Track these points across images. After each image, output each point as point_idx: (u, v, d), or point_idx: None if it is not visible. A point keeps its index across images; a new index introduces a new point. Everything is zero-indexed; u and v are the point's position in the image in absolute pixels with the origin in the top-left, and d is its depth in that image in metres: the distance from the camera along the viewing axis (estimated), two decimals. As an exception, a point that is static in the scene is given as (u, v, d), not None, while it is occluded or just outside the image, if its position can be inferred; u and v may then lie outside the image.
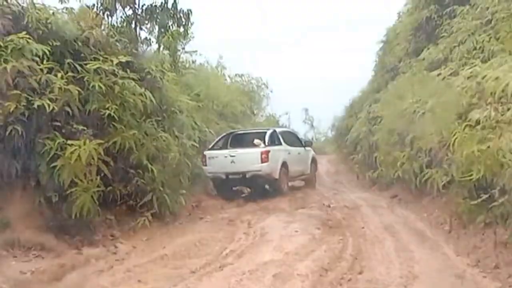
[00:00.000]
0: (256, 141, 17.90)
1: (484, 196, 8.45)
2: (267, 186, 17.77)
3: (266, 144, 17.75)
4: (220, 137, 18.75)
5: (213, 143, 18.20)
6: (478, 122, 8.78)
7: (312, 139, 35.36)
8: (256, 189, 17.69)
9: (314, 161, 21.48)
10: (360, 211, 13.90)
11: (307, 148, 21.10)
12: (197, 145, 15.81)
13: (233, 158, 17.19)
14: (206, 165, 17.23)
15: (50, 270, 8.02)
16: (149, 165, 11.60)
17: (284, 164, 18.02)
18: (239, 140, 18.56)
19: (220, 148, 18.04)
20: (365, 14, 74.39)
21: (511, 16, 12.03)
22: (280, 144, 18.45)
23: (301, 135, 27.37)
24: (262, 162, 17.05)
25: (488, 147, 7.78)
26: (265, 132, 18.61)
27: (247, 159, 17.14)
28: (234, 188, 17.91)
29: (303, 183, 20.13)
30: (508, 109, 7.67)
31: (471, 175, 8.26)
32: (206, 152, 17.43)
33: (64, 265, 8.37)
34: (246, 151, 17.49)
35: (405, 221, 11.93)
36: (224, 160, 17.19)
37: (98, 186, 9.93)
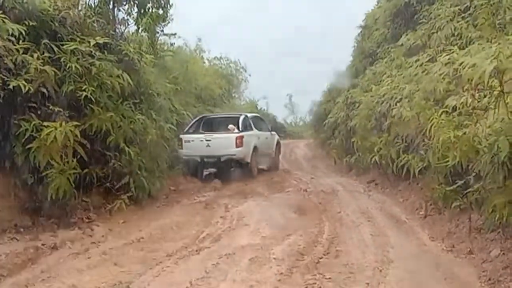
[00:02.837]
0: (230, 126, 18.58)
1: (460, 182, 8.54)
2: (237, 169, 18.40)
3: (240, 129, 18.41)
4: (193, 121, 19.14)
5: (187, 127, 18.56)
6: (454, 108, 8.83)
7: (291, 124, 35.55)
8: (228, 171, 18.28)
9: (278, 145, 22.53)
10: (337, 195, 13.97)
11: (272, 133, 21.99)
12: (175, 128, 15.78)
13: (209, 142, 17.72)
14: (182, 148, 17.68)
15: (25, 253, 7.96)
16: (126, 148, 11.55)
17: (255, 149, 18.84)
18: (211, 125, 19.49)
19: (194, 132, 18.51)
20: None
21: (489, 3, 12.07)
22: (252, 129, 19.23)
23: (280, 119, 27.59)
24: (236, 146, 17.72)
25: (464, 133, 7.82)
26: (238, 118, 19.29)
27: (222, 143, 17.71)
28: (205, 171, 18.60)
29: (267, 165, 20.67)
30: (485, 96, 7.70)
31: (447, 161, 8.32)
32: (182, 136, 17.85)
33: (40, 248, 8.31)
34: (221, 135, 18.16)
35: (381, 206, 12.01)
36: (199, 144, 17.70)
37: (74, 168, 9.85)
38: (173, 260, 7.78)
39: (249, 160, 18.33)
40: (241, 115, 20.06)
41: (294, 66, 73.93)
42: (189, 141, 17.88)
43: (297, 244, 8.53)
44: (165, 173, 14.09)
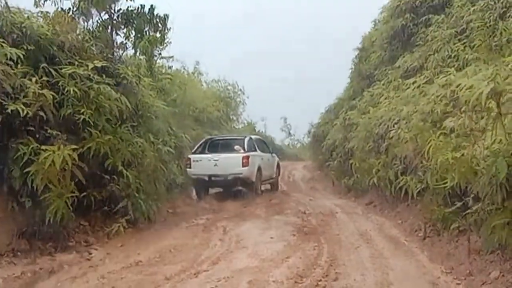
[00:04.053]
0: (237, 147, 19.57)
1: (458, 204, 8.54)
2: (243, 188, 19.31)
3: (246, 150, 19.45)
4: (200, 142, 20.28)
5: (195, 148, 19.73)
6: (452, 130, 8.85)
7: (288, 146, 35.79)
8: (234, 190, 19.24)
9: (278, 166, 23.54)
10: (335, 217, 13.94)
11: (273, 154, 22.99)
12: (173, 151, 15.76)
13: (216, 161, 18.67)
14: (190, 168, 18.75)
15: (22, 277, 7.95)
16: (124, 171, 11.54)
17: (259, 169, 19.80)
18: (217, 146, 20.29)
19: (200, 153, 19.54)
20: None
21: (485, 26, 12.17)
22: (256, 150, 20.14)
23: (277, 142, 27.93)
24: (243, 166, 18.63)
25: (462, 155, 7.84)
26: (243, 139, 20.58)
27: (229, 163, 18.63)
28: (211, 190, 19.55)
29: (268, 186, 21.58)
30: (482, 118, 7.71)
31: (446, 182, 8.32)
32: (191, 156, 19.05)
33: (37, 272, 8.29)
34: (228, 155, 19.04)
35: (380, 228, 11.98)
36: (207, 163, 18.68)
37: (72, 192, 9.83)
38: (171, 283, 7.73)
39: (254, 179, 19.18)
40: (245, 137, 21.32)
41: (291, 87, 74.02)
42: (197, 161, 18.86)
43: (296, 266, 8.49)
44: (163, 196, 14.06)
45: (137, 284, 7.78)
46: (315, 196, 20.02)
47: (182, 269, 8.57)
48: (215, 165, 18.70)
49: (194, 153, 19.47)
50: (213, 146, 20.38)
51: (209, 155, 19.22)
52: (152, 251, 10.05)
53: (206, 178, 18.72)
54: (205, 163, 18.83)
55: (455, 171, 7.90)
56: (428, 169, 9.71)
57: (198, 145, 20.17)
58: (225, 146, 20.25)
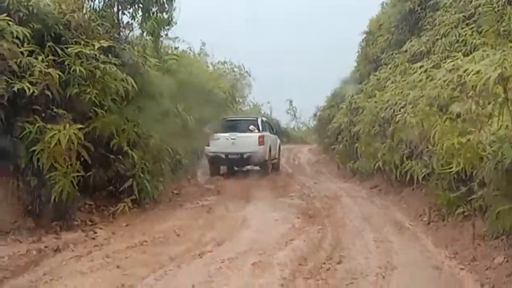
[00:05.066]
0: (251, 127, 21.14)
1: (464, 189, 8.50)
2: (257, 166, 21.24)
3: (260, 129, 21.15)
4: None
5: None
6: (458, 115, 8.79)
7: (294, 129, 36.02)
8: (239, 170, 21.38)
9: (279, 147, 24.99)
10: (340, 201, 13.96)
11: (276, 136, 24.30)
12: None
13: (234, 140, 20.28)
14: (208, 146, 20.17)
15: (28, 255, 7.97)
16: (130, 151, 11.58)
17: (270, 148, 21.23)
18: (230, 126, 21.44)
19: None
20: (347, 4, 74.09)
21: (493, 11, 12.07)
22: (266, 130, 21.42)
23: (283, 125, 28.30)
24: (259, 144, 20.32)
25: (468, 140, 7.80)
26: (256, 119, 22.24)
27: (246, 141, 20.24)
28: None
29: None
30: (489, 103, 7.67)
31: (451, 167, 8.29)
32: None
33: (42, 250, 8.31)
34: (246, 135, 20.63)
35: (384, 212, 12.00)
36: (225, 142, 20.21)
37: (77, 171, 9.86)
38: (176, 263, 7.76)
39: (267, 158, 20.83)
40: (257, 117, 23.20)
41: (298, 69, 73.56)
42: (215, 139, 20.22)
43: (300, 249, 8.51)
44: (168, 177, 14.08)
45: (142, 263, 7.81)
46: (320, 179, 20.06)
47: (186, 249, 8.60)
48: (233, 143, 20.16)
49: None
50: (227, 126, 21.31)
51: (227, 134, 20.40)
52: (156, 231, 10.08)
53: (223, 156, 20.15)
54: (223, 142, 20.18)
55: (461, 156, 7.86)
56: (433, 154, 9.67)
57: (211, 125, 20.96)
58: (238, 126, 21.49)
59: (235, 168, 21.61)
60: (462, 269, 7.24)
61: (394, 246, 8.68)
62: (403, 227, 10.31)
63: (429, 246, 8.66)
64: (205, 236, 9.71)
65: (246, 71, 37.72)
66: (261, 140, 20.44)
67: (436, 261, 7.72)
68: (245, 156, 20.18)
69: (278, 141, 24.56)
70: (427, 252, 8.35)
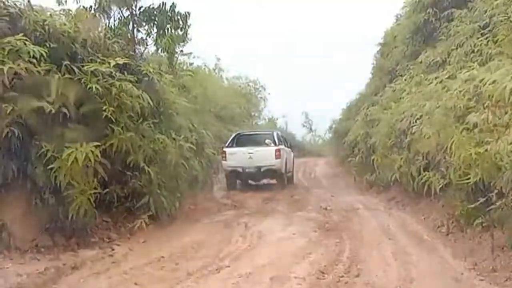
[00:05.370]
0: (267, 141, 21.30)
1: (482, 199, 8.44)
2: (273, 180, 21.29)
3: (277, 143, 21.24)
4: (231, 137, 21.98)
5: (228, 142, 21.48)
6: (475, 125, 8.76)
7: (309, 142, 36.09)
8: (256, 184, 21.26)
9: (293, 160, 24.97)
10: (357, 213, 13.91)
11: (290, 149, 24.32)
12: (194, 148, 15.77)
13: (251, 154, 20.33)
14: (226, 160, 20.44)
15: (46, 273, 8.00)
16: (146, 167, 11.57)
17: (286, 161, 21.47)
18: (246, 140, 21.80)
19: (232, 147, 21.14)
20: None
21: (509, 20, 12.02)
22: (281, 144, 21.48)
23: (298, 138, 28.41)
24: (276, 158, 20.40)
25: (486, 150, 7.77)
26: (271, 133, 22.61)
27: (263, 155, 20.36)
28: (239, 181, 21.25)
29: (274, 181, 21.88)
30: (506, 113, 7.65)
31: (469, 178, 8.25)
32: (226, 149, 20.75)
33: (61, 268, 8.34)
34: (262, 148, 20.76)
35: (402, 224, 11.93)
36: (242, 156, 20.33)
37: (95, 188, 9.88)
38: (193, 279, 7.76)
39: (283, 171, 21.04)
40: (273, 131, 23.67)
41: (313, 82, 73.62)
42: (232, 154, 20.48)
43: (318, 262, 8.48)
44: (184, 192, 14.09)
45: (160, 279, 7.82)
46: (336, 192, 19.96)
47: (204, 265, 8.59)
48: (250, 157, 20.22)
49: (227, 147, 21.01)
50: (243, 140, 21.67)
51: (243, 148, 20.64)
52: (174, 246, 10.09)
53: (240, 170, 20.31)
54: (240, 156, 20.32)
55: (479, 166, 7.83)
56: (451, 165, 9.63)
57: (230, 139, 21.73)
58: (254, 140, 21.81)
59: (252, 183, 21.54)
60: (481, 280, 7.20)
61: (412, 258, 8.63)
62: (422, 239, 10.25)
63: (448, 258, 8.60)
64: (222, 251, 9.70)
65: (261, 85, 37.84)
66: (278, 154, 20.55)
67: (455, 273, 7.67)
68: (262, 169, 20.29)
69: (292, 154, 24.68)
70: (446, 263, 8.30)
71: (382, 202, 15.83)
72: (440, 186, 10.65)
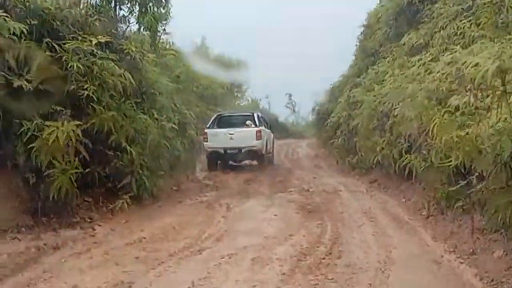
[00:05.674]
0: (248, 122, 21.79)
1: (462, 182, 8.46)
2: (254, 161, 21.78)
3: (257, 124, 21.71)
4: (212, 119, 22.34)
5: (209, 124, 21.81)
6: (457, 108, 8.78)
7: (293, 123, 36.26)
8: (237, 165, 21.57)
9: (273, 141, 25.35)
10: (339, 195, 13.95)
11: (270, 131, 24.54)
12: (177, 128, 15.72)
13: (232, 135, 20.66)
14: (207, 141, 20.82)
15: (27, 252, 7.97)
16: (128, 147, 11.53)
17: (266, 142, 21.95)
18: (227, 122, 22.17)
19: (213, 128, 21.54)
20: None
21: (492, 3, 12.03)
22: (262, 125, 21.84)
23: (281, 119, 28.54)
24: (257, 139, 20.81)
25: (467, 133, 7.79)
26: (252, 115, 22.80)
27: (244, 136, 20.77)
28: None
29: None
30: (487, 96, 7.65)
31: (450, 161, 8.28)
32: (207, 130, 21.16)
33: (41, 247, 8.31)
34: (243, 129, 21.25)
35: (383, 206, 12.00)
36: (224, 137, 20.66)
37: (76, 168, 9.83)
38: (175, 260, 7.75)
39: (264, 152, 21.48)
40: (253, 113, 23.63)
41: (296, 63, 73.25)
42: (214, 135, 20.91)
43: (300, 244, 8.50)
44: (166, 173, 14.07)
45: (141, 260, 7.80)
46: (318, 174, 20.04)
47: (185, 246, 8.59)
48: (231, 138, 20.56)
49: (209, 128, 21.37)
50: (224, 122, 22.10)
51: (224, 130, 21.02)
52: (155, 227, 10.08)
53: (222, 151, 20.64)
54: (221, 137, 20.69)
55: (460, 149, 7.86)
56: (432, 148, 9.66)
57: (211, 120, 22.08)
58: (235, 121, 22.15)
59: (232, 163, 21.74)
60: (461, 263, 7.25)
61: (393, 240, 8.67)
62: (402, 221, 10.32)
63: (428, 240, 8.67)
64: (204, 232, 9.70)
65: (244, 66, 37.72)
66: (259, 135, 20.91)
67: (435, 255, 7.72)
68: (243, 150, 20.62)
69: (272, 135, 24.99)
70: (426, 246, 8.36)
71: (364, 184, 15.89)
72: (422, 168, 10.68)
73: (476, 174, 7.84)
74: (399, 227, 9.80)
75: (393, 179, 13.84)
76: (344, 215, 11.09)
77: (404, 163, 11.68)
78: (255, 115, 22.87)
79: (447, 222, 9.22)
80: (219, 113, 23.68)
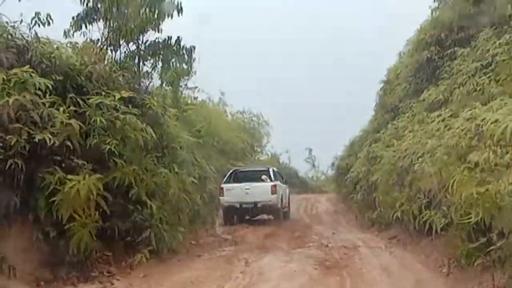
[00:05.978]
0: (263, 177, 22.02)
1: (483, 239, 8.41)
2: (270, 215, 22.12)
3: (272, 179, 21.96)
4: (228, 174, 22.50)
5: (225, 179, 21.99)
6: (477, 164, 8.76)
7: (312, 178, 36.31)
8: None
9: (289, 196, 25.32)
10: (358, 251, 13.83)
11: (286, 185, 24.84)
12: (197, 182, 15.79)
13: (248, 190, 21.09)
14: (223, 196, 21.09)
15: (46, 306, 7.98)
16: (148, 201, 11.58)
17: (281, 197, 22.23)
18: (243, 176, 22.45)
19: (228, 182, 21.81)
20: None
21: (511, 59, 12.10)
22: (277, 180, 22.05)
23: (301, 174, 28.70)
24: (272, 193, 21.14)
25: (487, 190, 7.76)
26: (267, 170, 23.10)
27: (260, 191, 21.09)
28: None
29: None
30: (507, 152, 7.66)
31: (470, 217, 8.23)
32: (224, 185, 21.41)
33: (60, 301, 8.32)
34: (259, 184, 21.48)
35: (403, 263, 11.86)
36: (239, 192, 21.11)
37: (96, 222, 9.90)
38: (193, 315, 7.72)
39: (279, 206, 21.68)
40: (269, 167, 23.92)
41: (317, 119, 73.38)
42: (230, 190, 21.20)
43: (319, 300, 8.44)
44: (186, 227, 14.07)
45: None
46: (338, 230, 19.91)
47: (204, 301, 8.56)
48: (247, 193, 20.93)
49: (225, 183, 21.56)
50: (240, 177, 22.36)
51: (240, 184, 21.38)
52: (174, 282, 10.06)
53: (238, 206, 20.99)
54: (237, 192, 21.09)
55: (480, 206, 7.82)
56: (452, 204, 9.60)
57: (227, 176, 22.25)
58: (251, 176, 22.33)
59: (249, 218, 21.96)
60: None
61: (413, 298, 8.58)
62: (422, 278, 10.18)
63: (449, 298, 8.55)
64: (222, 287, 9.65)
65: (265, 120, 37.94)
66: (274, 189, 21.22)
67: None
68: (258, 205, 21.00)
69: (288, 190, 25.03)
70: (446, 304, 8.25)
71: (383, 240, 15.73)
72: (441, 225, 10.61)
73: (497, 231, 7.78)
74: (419, 285, 9.68)
75: (412, 235, 13.70)
76: (363, 272, 10.99)
77: (423, 219, 11.58)
78: (271, 170, 23.22)
79: (467, 280, 9.08)
80: (235, 169, 24.04)
